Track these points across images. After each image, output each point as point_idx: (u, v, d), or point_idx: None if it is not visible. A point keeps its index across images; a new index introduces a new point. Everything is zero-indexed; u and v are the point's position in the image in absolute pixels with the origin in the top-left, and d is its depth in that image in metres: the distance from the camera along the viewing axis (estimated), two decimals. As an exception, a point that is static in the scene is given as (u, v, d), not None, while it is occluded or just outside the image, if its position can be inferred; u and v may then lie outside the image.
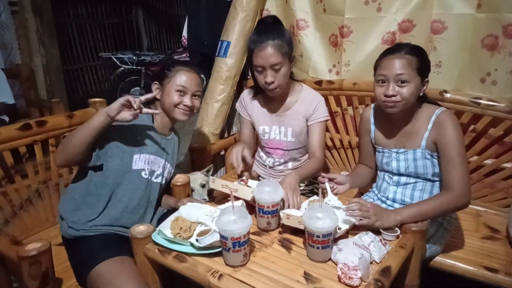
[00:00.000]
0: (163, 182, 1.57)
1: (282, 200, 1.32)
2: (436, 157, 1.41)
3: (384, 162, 1.53)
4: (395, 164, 1.48)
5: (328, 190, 1.39)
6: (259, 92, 1.80)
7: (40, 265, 1.14)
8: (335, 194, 1.40)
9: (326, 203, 1.30)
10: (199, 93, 1.58)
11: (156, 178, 1.53)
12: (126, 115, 1.33)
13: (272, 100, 1.74)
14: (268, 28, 1.58)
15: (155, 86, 1.57)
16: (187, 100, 1.51)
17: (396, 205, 1.51)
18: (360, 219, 1.21)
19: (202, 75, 1.62)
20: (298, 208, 1.37)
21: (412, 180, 1.48)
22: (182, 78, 1.52)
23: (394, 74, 1.33)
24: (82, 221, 1.38)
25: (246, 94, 1.86)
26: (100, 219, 1.39)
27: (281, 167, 1.84)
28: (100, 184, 1.41)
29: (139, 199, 1.46)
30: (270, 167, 1.82)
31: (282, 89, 1.62)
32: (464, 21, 1.75)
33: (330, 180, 1.42)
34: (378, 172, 1.63)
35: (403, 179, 1.50)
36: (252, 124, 1.85)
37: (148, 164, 1.49)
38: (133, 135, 1.47)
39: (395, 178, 1.52)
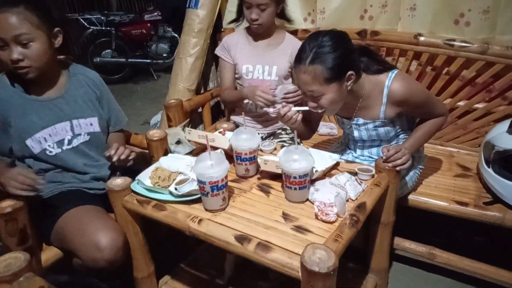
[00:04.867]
0: (89, 137, 1.41)
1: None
2: (397, 120, 1.39)
3: (344, 129, 1.53)
4: (357, 134, 1.47)
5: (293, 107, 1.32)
6: (245, 32, 1.88)
7: (16, 222, 1.13)
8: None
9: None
10: (27, 35, 1.19)
11: (69, 144, 1.37)
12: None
13: (257, 39, 1.85)
14: None
15: None
16: (12, 54, 1.19)
17: (362, 158, 1.54)
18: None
19: (25, 6, 1.20)
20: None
21: (376, 143, 1.49)
22: None
23: (306, 90, 1.24)
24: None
25: (228, 37, 1.92)
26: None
27: (263, 110, 1.84)
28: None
29: (76, 169, 1.38)
30: (252, 111, 1.86)
31: (265, 28, 1.77)
32: (438, -40, 1.71)
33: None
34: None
35: (368, 143, 1.51)
36: (234, 68, 1.89)
37: (46, 140, 1.32)
38: (12, 123, 1.28)
39: (359, 143, 1.53)
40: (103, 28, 5.01)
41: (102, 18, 5.01)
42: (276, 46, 1.83)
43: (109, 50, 5.14)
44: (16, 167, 1.21)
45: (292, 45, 1.81)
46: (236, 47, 1.86)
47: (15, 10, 1.18)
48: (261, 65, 1.81)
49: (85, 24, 4.95)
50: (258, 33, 1.83)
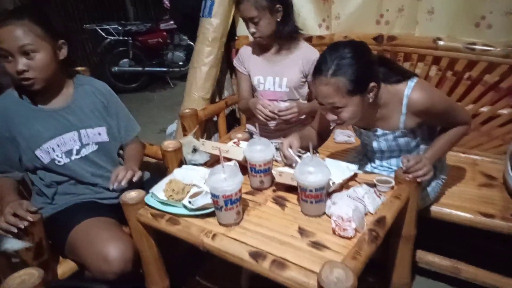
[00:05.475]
0: (97, 147, 1.41)
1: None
2: (417, 130, 1.34)
3: (362, 140, 1.48)
4: (376, 144, 1.42)
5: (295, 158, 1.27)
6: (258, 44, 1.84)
7: (33, 236, 1.14)
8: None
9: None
10: (31, 46, 1.21)
11: (77, 154, 1.37)
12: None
13: (267, 50, 1.80)
14: None
15: None
16: (17, 65, 1.20)
17: (381, 169, 1.49)
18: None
19: (29, 18, 1.22)
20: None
21: (396, 153, 1.44)
22: None
23: (326, 103, 1.20)
24: (48, 201, 1.37)
25: (243, 49, 1.91)
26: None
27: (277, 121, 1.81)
28: (41, 185, 1.37)
29: (85, 179, 1.38)
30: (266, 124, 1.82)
31: (266, 39, 1.71)
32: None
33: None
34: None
35: (387, 153, 1.45)
36: (250, 79, 1.87)
37: (55, 151, 1.33)
38: (20, 135, 1.30)
39: (378, 154, 1.47)
40: (121, 38, 5.10)
41: (120, 28, 5.10)
42: (287, 56, 1.77)
43: (126, 60, 5.22)
44: (17, 202, 1.17)
45: (304, 54, 1.74)
46: (250, 58, 1.84)
47: (20, 22, 1.20)
48: (272, 76, 1.78)
49: (103, 34, 5.04)
50: (265, 44, 1.76)
